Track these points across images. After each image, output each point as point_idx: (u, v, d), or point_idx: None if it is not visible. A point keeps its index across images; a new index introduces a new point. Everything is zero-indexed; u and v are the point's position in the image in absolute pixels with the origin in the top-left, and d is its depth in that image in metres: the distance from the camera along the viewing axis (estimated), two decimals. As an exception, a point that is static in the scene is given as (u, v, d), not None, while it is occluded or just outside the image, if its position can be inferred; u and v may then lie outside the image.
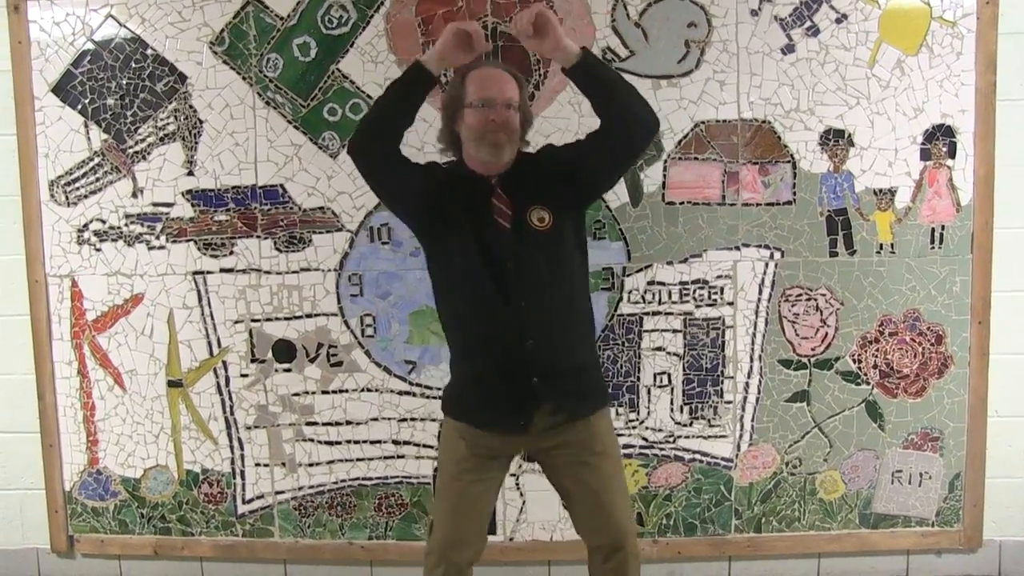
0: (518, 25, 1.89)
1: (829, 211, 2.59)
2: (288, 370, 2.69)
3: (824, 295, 2.62)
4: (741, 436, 2.67)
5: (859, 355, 2.64)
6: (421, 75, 1.93)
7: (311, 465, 2.72)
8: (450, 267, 1.97)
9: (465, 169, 2.00)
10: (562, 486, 2.06)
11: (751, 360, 2.64)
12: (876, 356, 2.65)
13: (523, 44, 1.98)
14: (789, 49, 2.55)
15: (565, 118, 2.55)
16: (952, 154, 2.58)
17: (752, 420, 2.66)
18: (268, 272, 2.66)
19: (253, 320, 2.68)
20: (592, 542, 2.07)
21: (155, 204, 2.66)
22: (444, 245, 1.98)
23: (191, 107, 2.63)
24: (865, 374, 2.65)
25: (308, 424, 2.71)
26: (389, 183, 2.00)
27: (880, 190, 2.59)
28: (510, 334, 1.91)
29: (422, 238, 2.07)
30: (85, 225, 2.68)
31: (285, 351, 2.68)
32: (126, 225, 2.67)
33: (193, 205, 2.66)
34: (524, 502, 2.69)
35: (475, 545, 2.04)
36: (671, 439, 2.67)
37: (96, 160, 2.67)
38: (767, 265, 2.61)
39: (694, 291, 2.62)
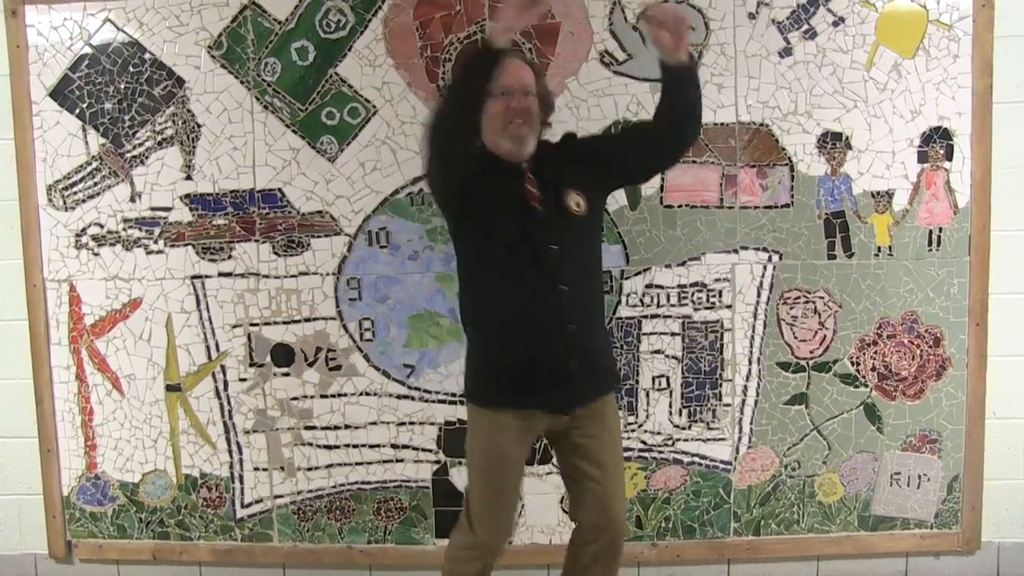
0: (660, 16, 1.90)
1: (827, 214, 2.60)
2: (287, 374, 2.69)
3: (822, 298, 2.63)
4: (740, 439, 2.67)
5: (857, 357, 2.65)
6: (491, 54, 1.88)
7: (310, 469, 2.72)
8: (492, 251, 1.97)
9: (494, 158, 2.00)
10: (567, 461, 2.10)
11: (749, 363, 2.64)
12: (874, 358, 2.65)
13: (651, 29, 1.94)
14: (786, 52, 2.56)
15: (563, 122, 2.54)
16: (949, 156, 2.58)
17: (751, 423, 2.67)
18: (266, 276, 2.66)
19: (251, 324, 2.68)
20: (581, 518, 2.10)
21: (153, 208, 2.66)
22: (486, 231, 1.97)
23: (189, 111, 2.63)
24: (863, 376, 2.65)
25: (307, 428, 2.70)
26: (464, 191, 1.97)
27: (878, 193, 2.59)
28: (554, 318, 1.94)
29: (460, 222, 2.05)
30: (83, 229, 2.68)
31: (284, 355, 2.68)
32: (124, 229, 2.67)
33: (191, 209, 2.65)
34: (523, 506, 2.69)
35: (510, 535, 2.17)
36: (670, 442, 2.67)
37: (94, 164, 2.66)
38: (765, 268, 2.62)
39: (692, 294, 2.62)
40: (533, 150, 2.00)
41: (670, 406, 2.66)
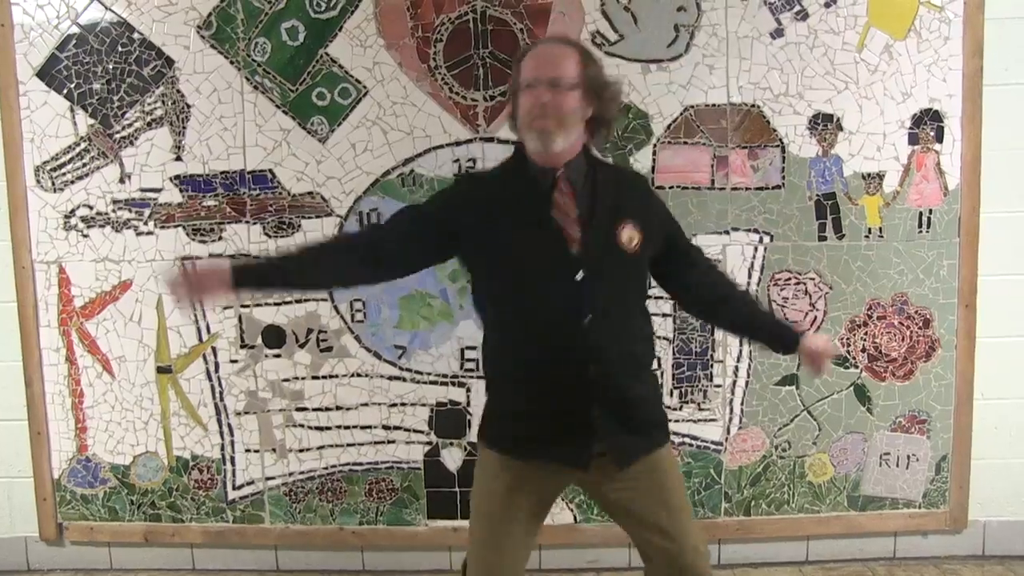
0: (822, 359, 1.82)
1: (818, 195, 2.60)
2: (278, 356, 2.68)
3: (813, 279, 2.64)
4: (730, 420, 2.69)
5: (848, 339, 2.66)
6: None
7: (301, 451, 2.72)
8: (503, 275, 1.74)
9: (524, 162, 1.76)
10: (625, 524, 1.84)
11: (740, 344, 2.65)
12: (864, 340, 2.66)
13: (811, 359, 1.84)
14: (778, 33, 2.55)
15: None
16: (940, 138, 2.59)
17: (741, 404, 2.68)
18: (257, 257, 2.65)
19: (242, 306, 2.67)
20: (657, 559, 1.81)
21: (143, 190, 2.65)
22: (497, 254, 1.73)
23: (179, 92, 2.61)
24: (854, 358, 2.67)
25: (298, 410, 2.70)
26: (432, 257, 1.83)
27: (868, 174, 2.60)
28: (573, 356, 1.69)
29: (474, 258, 1.80)
30: (72, 211, 2.66)
31: (275, 337, 2.68)
32: (114, 211, 2.66)
33: (181, 190, 2.64)
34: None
35: None
36: (661, 423, 2.68)
37: (83, 145, 2.64)
38: (756, 249, 2.62)
39: (684, 275, 2.62)
40: (569, 150, 1.72)
41: (661, 387, 2.66)
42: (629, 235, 1.72)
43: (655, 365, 1.88)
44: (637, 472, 1.76)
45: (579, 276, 1.68)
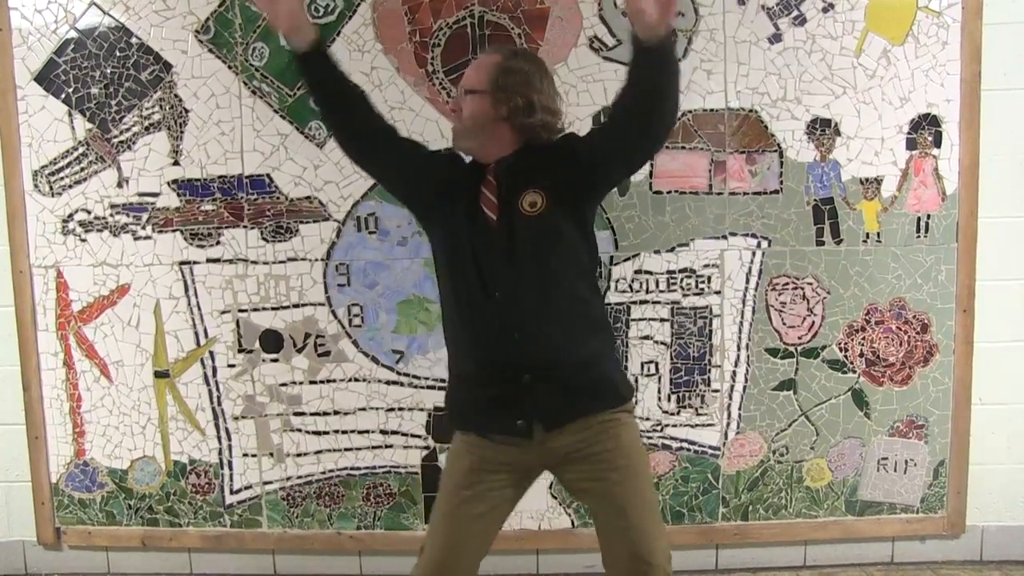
0: None
1: (816, 200, 2.60)
2: (275, 360, 2.68)
3: (811, 284, 2.64)
4: (728, 424, 2.68)
5: (845, 344, 2.66)
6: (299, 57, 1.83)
7: (299, 455, 2.72)
8: (438, 258, 1.92)
9: (470, 159, 1.95)
10: (584, 503, 1.91)
11: (738, 349, 2.65)
12: (862, 344, 2.66)
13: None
14: (776, 38, 2.55)
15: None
16: (937, 143, 2.59)
17: (739, 409, 2.68)
18: (255, 262, 2.65)
19: (240, 310, 2.67)
20: (615, 571, 1.81)
21: (141, 194, 2.65)
22: (434, 235, 1.94)
23: (176, 96, 2.61)
24: (851, 362, 2.67)
25: (296, 414, 2.70)
26: (376, 161, 1.94)
27: (866, 179, 2.60)
28: (494, 328, 1.78)
29: (424, 225, 2.02)
30: (70, 215, 2.66)
31: (272, 341, 2.68)
32: (111, 215, 2.66)
33: (179, 195, 2.64)
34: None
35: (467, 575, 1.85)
36: (658, 428, 2.68)
37: (80, 150, 2.64)
38: (754, 254, 2.62)
39: (681, 280, 2.62)
40: (502, 151, 1.84)
41: (659, 392, 2.67)
42: (531, 200, 1.80)
43: (602, 331, 1.88)
44: (600, 448, 1.78)
45: (496, 252, 1.78)
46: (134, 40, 2.59)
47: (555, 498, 2.69)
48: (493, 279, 1.78)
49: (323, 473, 2.72)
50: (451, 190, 1.89)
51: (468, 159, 1.95)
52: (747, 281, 2.63)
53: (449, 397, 1.96)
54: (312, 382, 2.68)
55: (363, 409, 2.69)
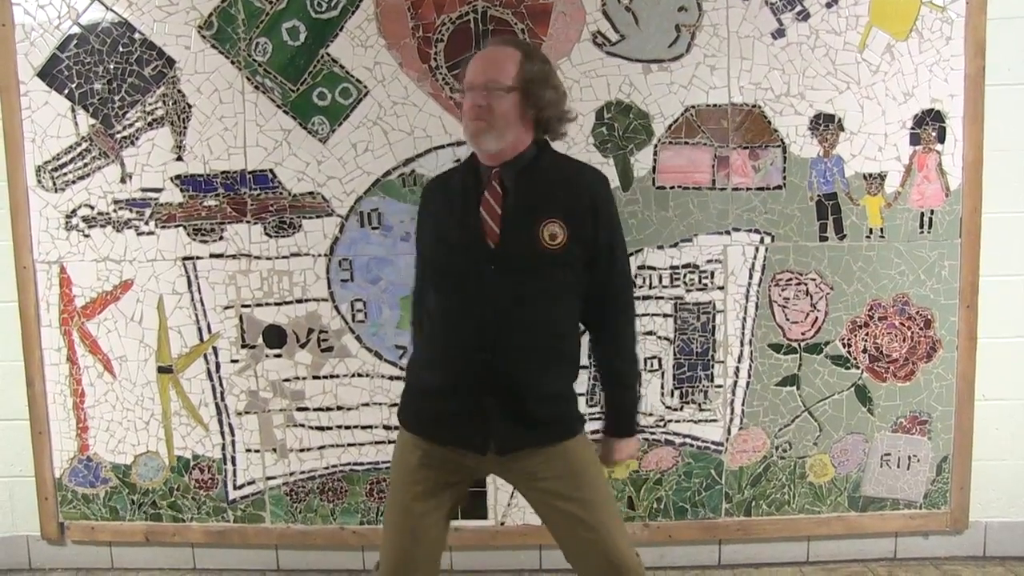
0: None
1: (819, 196, 2.60)
2: (279, 356, 2.69)
3: (814, 279, 2.63)
4: (731, 420, 2.68)
5: (849, 339, 2.66)
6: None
7: (302, 451, 2.72)
8: (431, 262, 1.85)
9: (475, 160, 1.84)
10: (546, 520, 1.86)
11: (741, 344, 2.65)
12: (865, 340, 2.66)
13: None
14: (779, 33, 2.55)
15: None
16: (941, 139, 2.59)
17: (742, 404, 2.68)
18: (258, 257, 2.65)
19: (243, 306, 2.67)
20: (583, 555, 1.82)
21: (144, 189, 2.65)
22: (430, 240, 1.86)
23: (180, 92, 2.61)
24: (855, 358, 2.67)
25: (299, 410, 2.70)
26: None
27: (870, 175, 2.60)
28: (469, 343, 1.75)
29: (418, 232, 1.96)
30: (73, 211, 2.66)
31: (275, 337, 2.68)
32: (115, 211, 2.66)
33: (182, 190, 2.64)
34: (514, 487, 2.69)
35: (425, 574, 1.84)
36: (662, 423, 2.68)
37: (84, 145, 2.64)
38: (757, 250, 2.62)
39: (684, 275, 2.62)
40: (508, 150, 1.77)
41: (662, 387, 2.67)
42: (551, 232, 1.74)
43: (572, 368, 1.87)
44: (554, 469, 1.78)
45: (491, 269, 1.73)
46: (137, 36, 2.59)
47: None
48: (481, 292, 1.74)
49: (326, 468, 2.72)
50: (444, 202, 1.84)
51: (454, 158, 1.90)
52: (750, 276, 2.63)
53: (407, 399, 1.91)
54: (315, 377, 2.68)
55: (366, 404, 2.69)
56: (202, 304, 2.67)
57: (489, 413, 1.75)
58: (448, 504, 1.86)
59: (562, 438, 1.82)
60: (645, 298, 2.63)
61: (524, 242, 1.73)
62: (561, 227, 1.74)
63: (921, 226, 2.61)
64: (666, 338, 2.64)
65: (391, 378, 2.68)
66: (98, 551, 2.82)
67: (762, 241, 2.62)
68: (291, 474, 2.73)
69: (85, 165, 2.65)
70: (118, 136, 2.63)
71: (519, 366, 1.76)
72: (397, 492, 1.85)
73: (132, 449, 2.75)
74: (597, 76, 2.56)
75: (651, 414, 2.67)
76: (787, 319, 2.65)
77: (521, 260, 1.74)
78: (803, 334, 2.66)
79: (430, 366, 1.84)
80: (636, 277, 2.62)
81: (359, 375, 2.68)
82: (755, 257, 2.62)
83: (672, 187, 2.60)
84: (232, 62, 2.58)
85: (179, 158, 2.63)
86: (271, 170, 2.62)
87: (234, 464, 2.74)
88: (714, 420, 2.68)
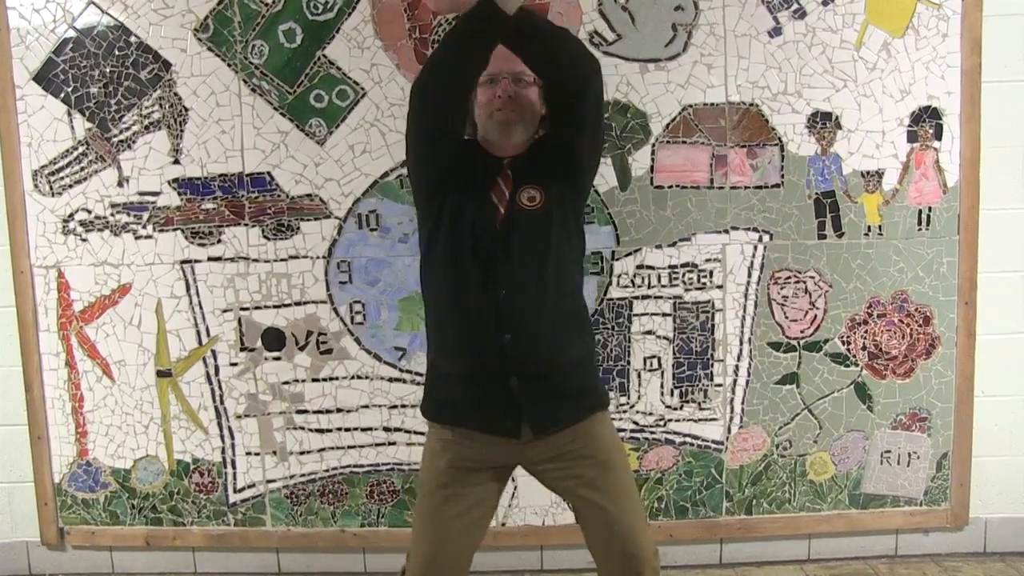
0: None
1: (817, 194, 2.60)
2: (278, 358, 2.68)
3: (813, 277, 2.64)
4: (731, 419, 2.68)
5: (848, 337, 2.66)
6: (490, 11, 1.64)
7: (302, 453, 2.71)
8: (439, 248, 1.82)
9: (479, 150, 1.87)
10: (570, 503, 1.89)
11: (741, 343, 2.65)
12: (865, 338, 2.66)
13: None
14: (776, 32, 2.55)
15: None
16: (938, 136, 2.59)
17: (742, 403, 2.68)
18: (256, 260, 2.64)
19: (242, 308, 2.67)
20: (605, 568, 1.85)
21: (141, 193, 2.64)
22: (440, 223, 1.81)
23: (176, 95, 2.60)
24: (854, 356, 2.67)
25: (298, 412, 2.70)
26: (439, 137, 1.78)
27: (867, 172, 2.60)
28: (487, 326, 1.74)
29: (425, 210, 1.86)
30: (70, 215, 2.66)
31: (274, 339, 2.67)
32: (112, 215, 2.65)
33: (180, 194, 2.64)
34: (516, 487, 2.69)
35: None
36: (662, 423, 2.68)
37: (80, 149, 2.64)
38: (756, 248, 2.62)
39: (683, 275, 2.62)
40: (522, 144, 1.83)
41: (661, 387, 2.67)
42: (529, 195, 1.78)
43: (588, 332, 1.90)
44: (576, 446, 1.79)
45: (497, 248, 1.75)
46: (133, 39, 2.58)
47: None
48: (490, 276, 1.75)
49: (326, 471, 2.72)
50: (466, 182, 1.81)
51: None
52: (749, 275, 2.63)
53: (430, 392, 1.90)
54: (314, 380, 2.68)
55: (366, 406, 2.69)
56: (200, 307, 2.67)
57: (516, 393, 1.75)
58: (481, 508, 1.84)
59: (593, 410, 1.83)
60: (644, 298, 2.63)
61: (515, 212, 1.77)
62: (536, 189, 1.79)
63: (919, 223, 2.62)
64: (665, 337, 2.64)
65: (390, 380, 2.67)
66: (98, 556, 2.81)
67: (760, 240, 2.62)
68: (291, 477, 2.73)
69: (82, 169, 2.65)
70: (115, 140, 2.63)
71: (539, 337, 1.75)
72: (426, 495, 1.85)
73: (132, 453, 2.75)
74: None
75: (651, 413, 2.68)
76: (786, 317, 2.65)
77: (518, 233, 1.76)
78: (802, 332, 2.66)
79: (447, 355, 1.84)
80: (635, 277, 2.62)
81: (358, 377, 2.67)
82: (754, 255, 2.62)
83: (670, 186, 2.60)
84: (228, 65, 2.58)
85: (176, 161, 2.62)
86: (269, 173, 2.62)
87: (234, 467, 2.73)
88: (714, 419, 2.68)
